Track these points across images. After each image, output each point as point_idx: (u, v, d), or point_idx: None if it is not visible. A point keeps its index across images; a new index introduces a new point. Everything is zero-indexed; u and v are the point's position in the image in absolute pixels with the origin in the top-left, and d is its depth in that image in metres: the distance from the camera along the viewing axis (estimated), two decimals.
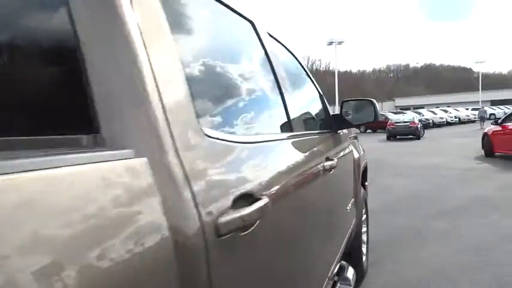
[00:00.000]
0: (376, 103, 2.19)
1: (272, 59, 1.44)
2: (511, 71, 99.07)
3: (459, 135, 19.05)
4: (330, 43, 34.11)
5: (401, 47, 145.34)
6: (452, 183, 6.73)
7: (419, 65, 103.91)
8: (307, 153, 1.45)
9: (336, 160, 1.74)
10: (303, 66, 2.18)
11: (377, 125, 23.16)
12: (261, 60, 1.40)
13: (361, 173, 2.90)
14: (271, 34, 1.62)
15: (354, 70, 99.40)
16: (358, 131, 25.17)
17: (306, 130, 1.68)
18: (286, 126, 1.42)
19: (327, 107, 2.29)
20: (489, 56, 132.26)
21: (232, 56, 1.18)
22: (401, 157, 11.15)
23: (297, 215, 1.23)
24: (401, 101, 63.47)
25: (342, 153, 2.18)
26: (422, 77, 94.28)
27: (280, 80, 1.45)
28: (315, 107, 2.21)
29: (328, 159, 1.70)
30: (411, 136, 18.77)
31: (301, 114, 1.74)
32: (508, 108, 39.76)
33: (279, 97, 1.42)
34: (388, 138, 19.13)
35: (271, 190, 0.97)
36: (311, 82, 2.26)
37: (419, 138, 18.58)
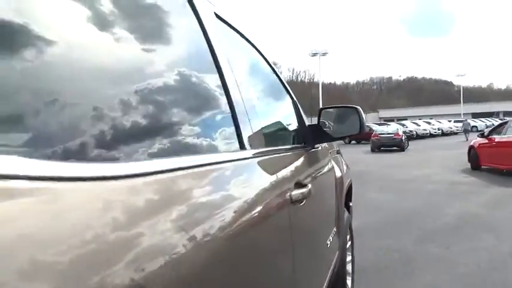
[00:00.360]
0: (362, 111, 1.77)
1: (217, 48, 1.01)
2: (490, 85, 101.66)
3: (444, 148, 18.95)
4: (314, 54, 34.08)
5: (383, 60, 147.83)
6: (441, 199, 6.39)
7: (401, 78, 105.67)
8: (266, 180, 1.02)
9: (310, 186, 1.31)
10: (269, 63, 1.75)
11: (362, 136, 23.01)
12: (196, 48, 0.97)
13: (344, 194, 2.48)
14: (221, 16, 1.19)
15: (338, 82, 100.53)
16: (342, 142, 25.03)
17: (269, 146, 1.25)
18: (235, 142, 0.99)
19: (301, 116, 1.86)
20: (469, 70, 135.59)
21: (137, 37, 0.74)
22: (386, 170, 10.84)
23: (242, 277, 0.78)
24: (384, 113, 64.04)
25: (319, 174, 1.75)
26: (404, 90, 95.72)
27: (227, 77, 1.01)
28: (285, 116, 1.79)
29: (299, 185, 1.26)
30: (395, 148, 18.59)
31: (264, 126, 1.31)
32: (489, 121, 40.46)
33: (224, 100, 0.98)
34: (373, 150, 18.90)
35: (172, 260, 0.53)
36: (281, 84, 1.84)
37: (403, 150, 18.41)
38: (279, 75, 1.85)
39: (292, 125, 1.80)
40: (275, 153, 1.24)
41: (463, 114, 50.18)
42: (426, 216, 5.23)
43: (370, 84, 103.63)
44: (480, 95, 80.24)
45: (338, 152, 2.68)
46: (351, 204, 2.93)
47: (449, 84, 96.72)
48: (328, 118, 2.12)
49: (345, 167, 2.64)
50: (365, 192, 6.75)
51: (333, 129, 2.07)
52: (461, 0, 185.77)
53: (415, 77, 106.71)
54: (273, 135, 1.61)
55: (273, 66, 1.79)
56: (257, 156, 1.04)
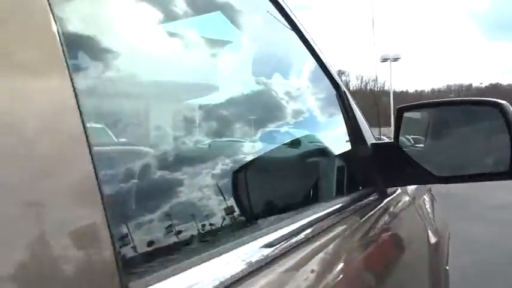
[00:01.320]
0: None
1: None
2: None
3: None
4: (385, 60, 31.87)
5: (462, 65, 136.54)
6: None
7: (483, 85, 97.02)
8: None
9: None
10: (301, 34, 0.79)
11: None
12: None
13: (444, 266, 1.42)
14: None
15: (411, 90, 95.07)
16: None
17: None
18: None
19: (361, 132, 0.86)
20: None
21: None
22: (473, 191, 9.05)
23: None
24: None
25: (394, 270, 0.74)
26: (488, 98, 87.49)
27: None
28: (323, 134, 0.83)
29: None
30: None
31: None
32: None
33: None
34: None
35: None
36: (320, 69, 0.85)
37: None
38: (318, 51, 0.84)
39: (338, 149, 0.83)
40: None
41: None
42: None
43: (447, 92, 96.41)
44: None
45: (429, 193, 1.57)
46: (447, 268, 1.84)
47: None
48: (416, 131, 1.10)
49: (436, 219, 1.54)
50: (452, 222, 5.37)
51: (426, 153, 1.05)
52: None
53: (500, 84, 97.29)
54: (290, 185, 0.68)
55: (305, 33, 0.81)
56: None
